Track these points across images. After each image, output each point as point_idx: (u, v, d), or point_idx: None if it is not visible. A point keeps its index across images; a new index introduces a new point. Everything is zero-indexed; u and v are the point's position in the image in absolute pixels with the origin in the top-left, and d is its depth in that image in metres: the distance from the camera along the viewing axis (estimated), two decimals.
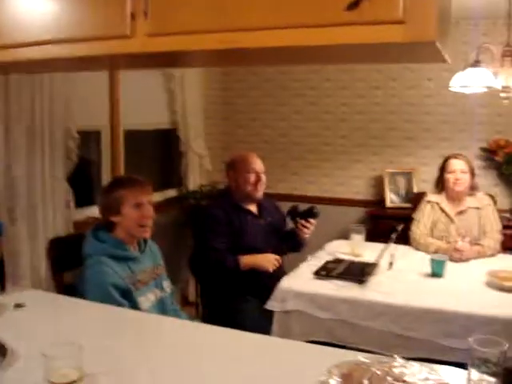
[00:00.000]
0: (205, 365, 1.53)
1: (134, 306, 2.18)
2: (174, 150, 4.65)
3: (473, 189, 3.46)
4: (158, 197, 4.38)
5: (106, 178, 3.82)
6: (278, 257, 3.06)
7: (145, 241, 2.43)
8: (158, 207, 4.17)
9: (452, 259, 3.07)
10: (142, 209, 2.30)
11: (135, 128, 4.14)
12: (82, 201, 3.56)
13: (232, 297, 3.05)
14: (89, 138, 3.81)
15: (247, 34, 1.31)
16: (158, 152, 4.79)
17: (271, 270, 3.00)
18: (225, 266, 3.02)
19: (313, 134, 5.00)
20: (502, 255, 3.28)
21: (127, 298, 2.17)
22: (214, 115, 5.11)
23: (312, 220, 3.23)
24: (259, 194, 3.23)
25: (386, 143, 4.77)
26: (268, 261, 3.03)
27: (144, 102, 4.12)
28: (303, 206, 3.30)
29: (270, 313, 2.71)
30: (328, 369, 1.35)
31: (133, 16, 1.45)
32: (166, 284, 2.45)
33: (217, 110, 5.19)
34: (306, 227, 3.23)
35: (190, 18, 1.37)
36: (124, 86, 3.70)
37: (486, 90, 3.10)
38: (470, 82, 3.03)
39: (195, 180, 4.61)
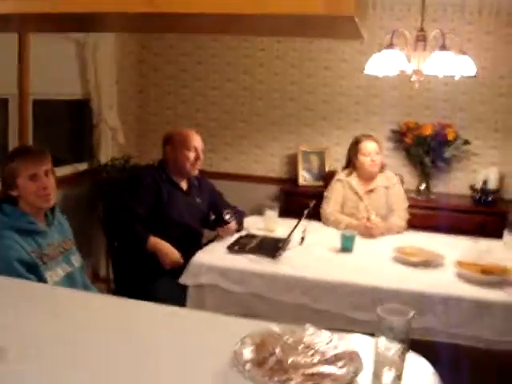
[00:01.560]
0: (117, 338, 1.50)
1: (41, 280, 2.10)
2: (86, 121, 4.49)
3: (382, 167, 3.58)
4: (68, 170, 4.25)
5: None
6: (181, 260, 2.92)
7: (52, 213, 2.34)
8: (69, 180, 4.10)
9: (362, 235, 3.17)
10: (37, 180, 2.20)
11: (45, 97, 3.96)
12: None
13: (144, 270, 2.99)
14: None
15: None
16: (69, 123, 4.60)
17: (167, 267, 2.92)
18: (132, 230, 2.94)
19: (229, 110, 4.97)
20: (409, 233, 3.42)
21: (33, 272, 2.09)
22: (128, 88, 4.98)
23: (229, 225, 3.19)
24: (196, 171, 3.22)
25: (302, 122, 4.83)
26: (170, 258, 2.92)
27: (55, 70, 3.94)
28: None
29: (185, 287, 2.70)
30: (241, 339, 1.35)
31: None
32: (75, 258, 2.36)
33: (131, 83, 5.05)
34: (227, 231, 3.19)
35: None
36: (34, 51, 3.52)
37: (398, 72, 3.20)
38: (384, 63, 3.11)
39: (107, 153, 4.47)
